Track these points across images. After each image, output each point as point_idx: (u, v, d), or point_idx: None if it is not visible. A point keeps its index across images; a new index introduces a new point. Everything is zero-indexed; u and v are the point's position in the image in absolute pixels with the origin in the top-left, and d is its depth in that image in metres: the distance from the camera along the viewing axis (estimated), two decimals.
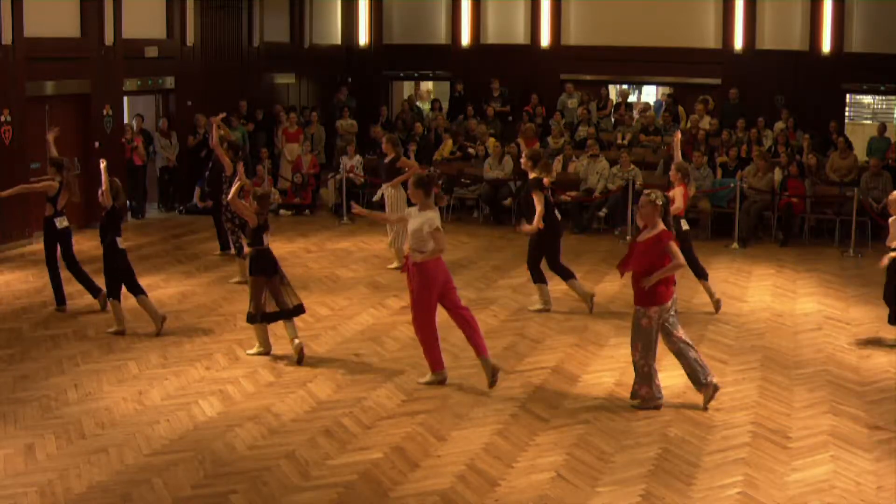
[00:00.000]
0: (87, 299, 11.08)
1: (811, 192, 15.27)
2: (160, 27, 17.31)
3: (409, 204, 9.15)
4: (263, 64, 19.52)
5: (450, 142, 18.36)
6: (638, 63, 20.18)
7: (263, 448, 7.32)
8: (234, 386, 8.63)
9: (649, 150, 17.76)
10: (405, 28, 22.19)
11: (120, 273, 10.03)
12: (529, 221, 10.66)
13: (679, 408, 8.08)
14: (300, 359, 9.16)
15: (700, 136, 16.90)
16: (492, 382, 8.43)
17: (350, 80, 21.61)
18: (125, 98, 16.75)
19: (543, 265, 10.94)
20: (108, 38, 15.77)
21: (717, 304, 11.01)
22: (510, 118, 20.03)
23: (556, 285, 11.38)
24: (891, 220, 9.84)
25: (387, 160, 13.18)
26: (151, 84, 17.16)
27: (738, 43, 19.55)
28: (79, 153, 15.14)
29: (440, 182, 14.86)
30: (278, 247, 9.50)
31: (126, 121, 16.83)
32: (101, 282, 10.45)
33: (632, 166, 15.97)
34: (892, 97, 19.80)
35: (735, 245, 14.68)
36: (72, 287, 11.14)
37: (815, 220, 15.59)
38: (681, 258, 7.88)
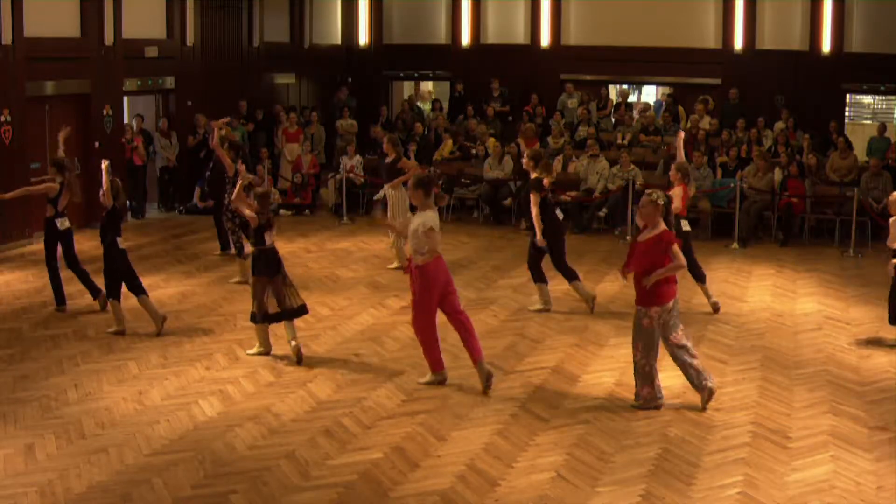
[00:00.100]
0: (87, 299, 11.08)
1: (811, 192, 15.27)
2: (160, 27, 17.31)
3: (412, 207, 9.14)
4: (263, 64, 19.53)
5: (450, 142, 18.36)
6: (638, 63, 20.18)
7: (263, 448, 7.32)
8: (234, 386, 8.63)
9: (649, 150, 17.76)
10: (405, 28, 22.19)
11: (120, 273, 10.03)
12: (529, 221, 10.65)
13: (679, 408, 8.08)
14: (299, 360, 9.16)
15: (700, 136, 16.90)
16: (486, 387, 8.42)
17: (350, 80, 21.61)
18: (125, 98, 16.75)
19: (548, 264, 10.94)
20: (108, 38, 15.77)
21: (714, 307, 11.01)
22: (510, 118, 20.04)
23: (556, 285, 11.38)
24: (891, 220, 9.83)
25: (388, 160, 13.19)
26: (151, 84, 17.16)
27: (738, 43, 19.55)
28: (79, 153, 15.14)
29: (440, 182, 14.88)
30: (278, 247, 9.48)
31: (126, 121, 16.83)
32: (101, 282, 10.44)
33: (632, 166, 15.97)
34: (892, 97, 19.80)
35: (735, 245, 14.68)
36: (72, 287, 11.14)
37: (815, 220, 15.59)
38: (681, 259, 7.88)
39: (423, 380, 8.67)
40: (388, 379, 8.80)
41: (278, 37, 20.09)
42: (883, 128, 17.48)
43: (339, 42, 21.98)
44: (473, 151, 17.87)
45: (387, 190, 13.16)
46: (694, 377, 8.02)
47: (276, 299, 9.21)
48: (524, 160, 10.94)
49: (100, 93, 15.84)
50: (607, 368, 9.13)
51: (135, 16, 16.35)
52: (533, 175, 10.68)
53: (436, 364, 8.62)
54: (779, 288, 12.34)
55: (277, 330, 9.46)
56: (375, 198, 14.36)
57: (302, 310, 9.33)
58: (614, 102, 20.41)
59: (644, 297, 7.88)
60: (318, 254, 14.15)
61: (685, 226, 10.70)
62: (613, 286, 12.07)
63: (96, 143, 15.68)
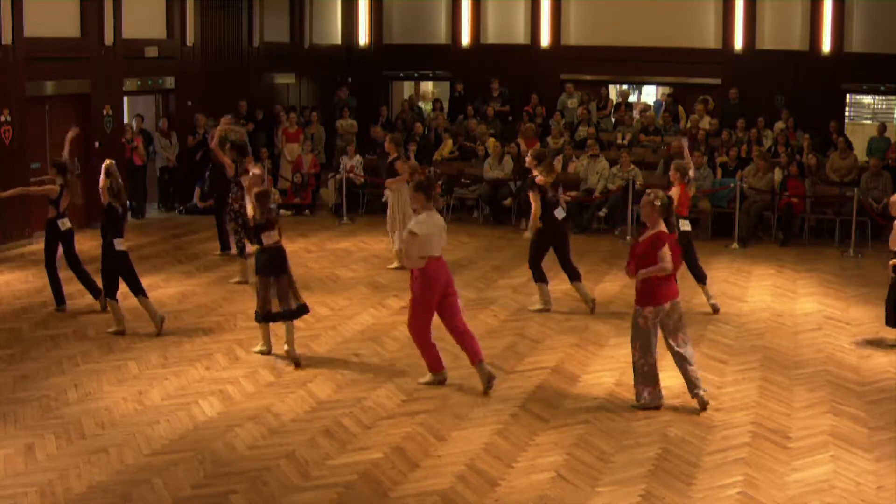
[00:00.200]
0: (88, 299, 11.08)
1: (811, 192, 15.27)
2: (160, 27, 17.31)
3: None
4: (263, 64, 19.53)
5: (450, 142, 18.36)
6: (638, 63, 20.18)
7: (263, 448, 7.32)
8: (234, 386, 8.63)
9: (649, 150, 17.76)
10: (405, 28, 22.19)
11: (118, 274, 10.01)
12: (529, 221, 10.65)
13: (679, 408, 8.08)
14: (296, 364, 9.13)
15: (700, 136, 16.91)
16: (487, 388, 8.40)
17: (350, 80, 21.61)
18: (125, 98, 16.75)
19: (548, 264, 10.93)
20: (108, 38, 15.77)
21: (714, 309, 11.01)
22: (510, 118, 20.04)
23: (556, 285, 11.38)
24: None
25: (389, 160, 13.19)
26: (151, 84, 17.16)
27: (738, 43, 19.56)
28: (79, 153, 15.11)
29: (440, 182, 14.88)
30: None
31: (126, 121, 16.84)
32: (101, 282, 10.44)
33: (632, 166, 15.97)
34: (892, 97, 19.80)
35: (735, 245, 14.68)
36: (72, 287, 11.14)
37: (815, 220, 15.59)
38: (667, 262, 7.81)
39: (423, 380, 8.67)
40: (388, 379, 8.80)
41: (278, 37, 20.09)
42: (883, 128, 17.48)
43: (339, 42, 21.98)
44: (478, 150, 17.74)
45: (387, 193, 13.16)
46: (688, 385, 8.05)
47: (278, 299, 9.19)
48: (528, 159, 10.93)
49: (100, 93, 15.84)
50: (607, 368, 9.13)
51: (135, 16, 16.35)
52: (535, 173, 10.68)
53: (435, 364, 8.62)
54: (779, 288, 12.34)
55: (279, 330, 9.45)
56: (383, 199, 14.36)
57: (302, 310, 9.31)
58: (614, 102, 20.41)
59: (639, 297, 7.93)
60: (318, 254, 14.15)
61: (685, 226, 10.69)
62: (613, 286, 12.07)
63: (96, 143, 15.69)
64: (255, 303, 9.41)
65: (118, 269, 9.99)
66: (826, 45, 18.93)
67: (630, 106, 20.32)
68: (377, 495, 6.58)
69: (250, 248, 11.12)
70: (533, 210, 10.60)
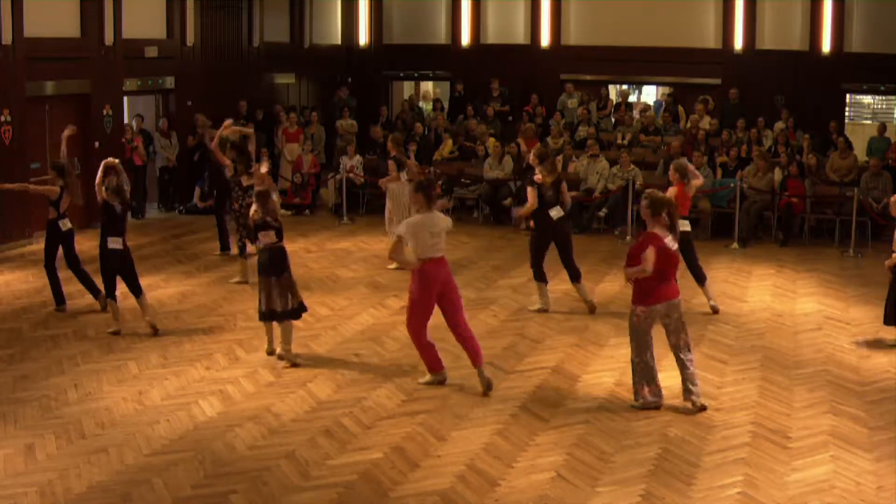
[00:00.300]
0: (88, 299, 11.08)
1: (811, 192, 15.27)
2: (160, 27, 17.31)
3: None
4: (263, 64, 19.52)
5: (450, 142, 18.35)
6: (638, 63, 20.17)
7: (263, 448, 7.32)
8: (234, 386, 8.63)
9: (649, 150, 17.75)
10: (405, 28, 22.19)
11: (114, 273, 10.01)
12: (530, 221, 10.65)
13: (679, 408, 8.08)
14: (294, 363, 9.13)
15: (700, 136, 16.90)
16: (485, 392, 8.41)
17: (350, 80, 21.61)
18: (125, 98, 16.75)
19: (549, 264, 10.91)
20: (108, 38, 15.77)
21: (714, 310, 11.00)
22: (510, 118, 20.03)
23: (556, 285, 11.38)
24: None
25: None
26: (151, 84, 17.16)
27: (738, 43, 19.55)
28: (79, 153, 15.14)
29: (440, 182, 14.88)
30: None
31: (126, 121, 16.84)
32: (101, 282, 10.44)
33: (632, 166, 15.97)
34: (892, 97, 19.79)
35: (735, 245, 14.68)
36: (72, 287, 11.14)
37: (815, 220, 15.58)
38: (648, 265, 7.78)
39: (423, 380, 8.67)
40: (388, 379, 8.80)
41: (278, 37, 20.08)
42: (883, 128, 17.47)
43: (339, 42, 21.98)
44: (479, 150, 17.70)
45: (388, 198, 13.23)
46: (685, 390, 8.06)
47: (279, 299, 9.19)
48: (530, 157, 10.92)
49: (100, 93, 15.84)
50: (607, 368, 9.13)
51: (135, 16, 16.35)
52: (536, 172, 10.69)
53: (434, 364, 8.62)
54: (779, 288, 12.33)
55: (278, 330, 9.45)
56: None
57: (300, 308, 9.30)
58: (614, 102, 20.40)
59: (633, 295, 8.02)
60: (318, 254, 14.15)
61: (685, 226, 10.68)
62: (613, 286, 12.07)
63: (96, 143, 15.68)
64: (256, 303, 9.41)
65: (111, 267, 9.99)
66: (826, 45, 18.92)
67: (630, 106, 20.31)
68: (377, 495, 6.58)
69: (251, 248, 11.14)
70: (528, 204, 10.63)
